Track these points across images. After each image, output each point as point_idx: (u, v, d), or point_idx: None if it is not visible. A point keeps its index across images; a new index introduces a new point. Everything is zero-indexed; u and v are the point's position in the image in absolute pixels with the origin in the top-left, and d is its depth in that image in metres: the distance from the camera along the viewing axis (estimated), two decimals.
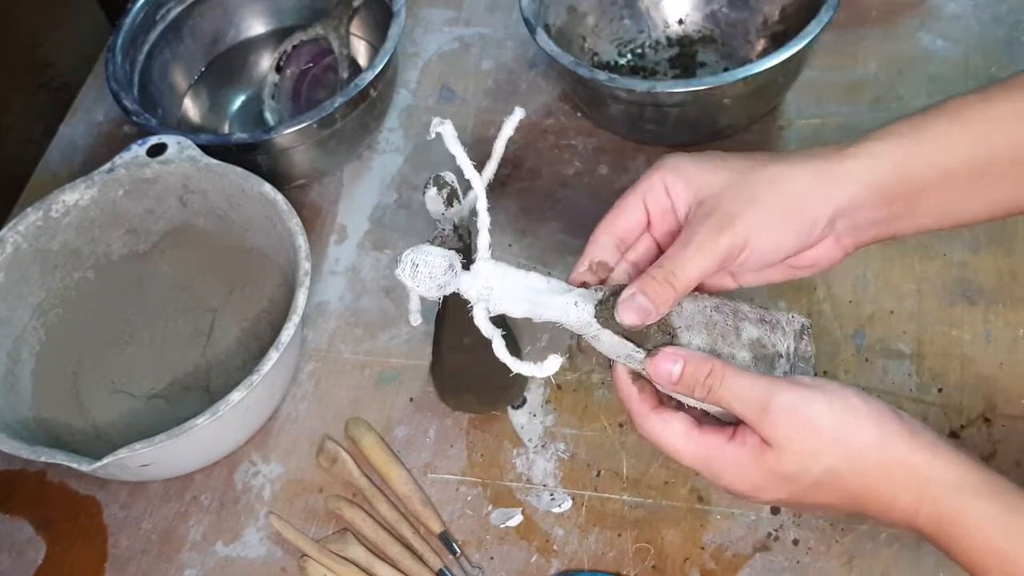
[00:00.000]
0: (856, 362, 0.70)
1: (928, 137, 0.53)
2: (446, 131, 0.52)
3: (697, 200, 0.53)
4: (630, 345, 0.51)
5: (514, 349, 0.52)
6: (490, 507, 0.67)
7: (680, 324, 0.52)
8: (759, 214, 0.52)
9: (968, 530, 0.46)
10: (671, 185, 0.54)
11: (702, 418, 0.52)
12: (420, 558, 0.65)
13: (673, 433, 0.51)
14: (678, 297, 0.51)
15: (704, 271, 0.51)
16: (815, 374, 0.53)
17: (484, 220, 0.51)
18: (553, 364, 0.49)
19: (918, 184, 0.53)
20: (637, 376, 0.53)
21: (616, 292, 0.52)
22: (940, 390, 0.68)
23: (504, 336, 0.51)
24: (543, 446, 0.69)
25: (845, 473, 0.48)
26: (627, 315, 0.50)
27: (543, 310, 0.52)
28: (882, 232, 0.55)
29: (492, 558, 0.65)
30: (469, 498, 0.68)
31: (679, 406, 0.53)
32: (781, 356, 0.53)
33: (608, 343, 0.52)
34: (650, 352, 0.51)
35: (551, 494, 0.67)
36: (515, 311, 0.51)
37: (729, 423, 0.52)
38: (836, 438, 0.48)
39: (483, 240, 0.51)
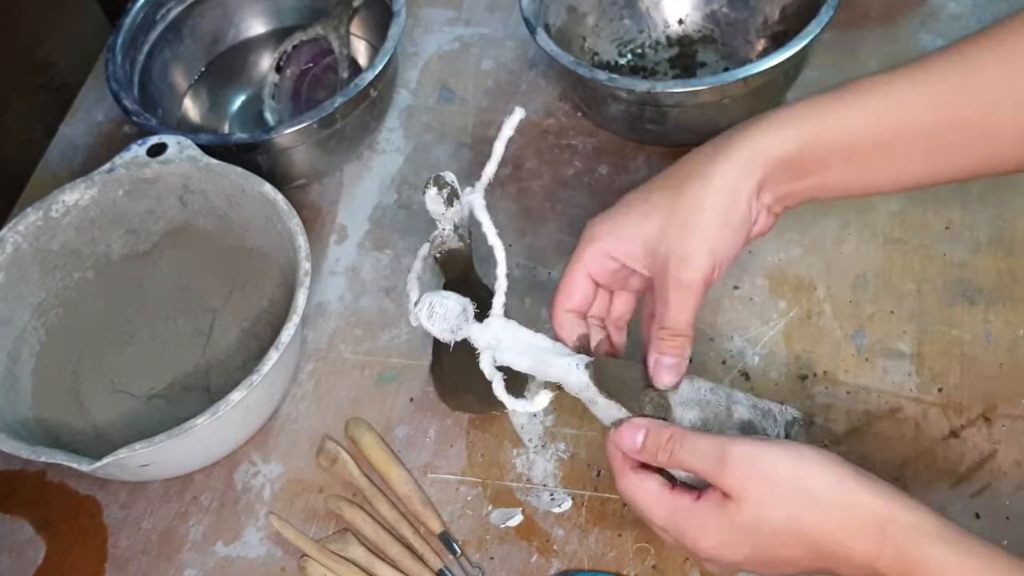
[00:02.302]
0: (856, 362, 0.70)
1: (833, 115, 0.56)
2: (476, 202, 0.58)
3: (648, 252, 0.56)
4: (624, 411, 0.54)
5: (519, 385, 0.58)
6: (490, 507, 0.67)
7: (676, 400, 0.55)
8: (706, 236, 0.55)
9: (931, 574, 0.46)
10: (614, 252, 0.58)
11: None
12: (420, 558, 0.65)
13: (646, 492, 0.53)
14: (691, 340, 0.55)
15: (694, 309, 0.55)
16: None
17: (502, 284, 0.57)
18: (543, 399, 0.54)
19: (824, 159, 0.56)
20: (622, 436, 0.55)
21: (606, 360, 0.56)
22: (940, 390, 0.68)
23: (505, 379, 0.55)
24: (543, 446, 0.69)
25: (805, 519, 0.48)
26: (667, 377, 0.55)
27: (546, 368, 0.56)
28: (803, 198, 0.59)
29: (492, 558, 0.65)
30: (469, 498, 0.68)
31: (661, 470, 0.54)
32: None
33: (604, 407, 0.54)
34: (618, 421, 0.54)
35: (551, 494, 0.67)
36: (519, 364, 0.56)
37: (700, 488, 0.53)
38: (793, 484, 0.49)
39: (499, 300, 0.57)
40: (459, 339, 0.56)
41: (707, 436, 0.52)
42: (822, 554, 0.49)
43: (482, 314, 0.57)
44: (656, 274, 0.56)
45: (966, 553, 0.46)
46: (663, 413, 0.53)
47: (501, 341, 0.55)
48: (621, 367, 0.56)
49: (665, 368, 0.55)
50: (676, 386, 0.55)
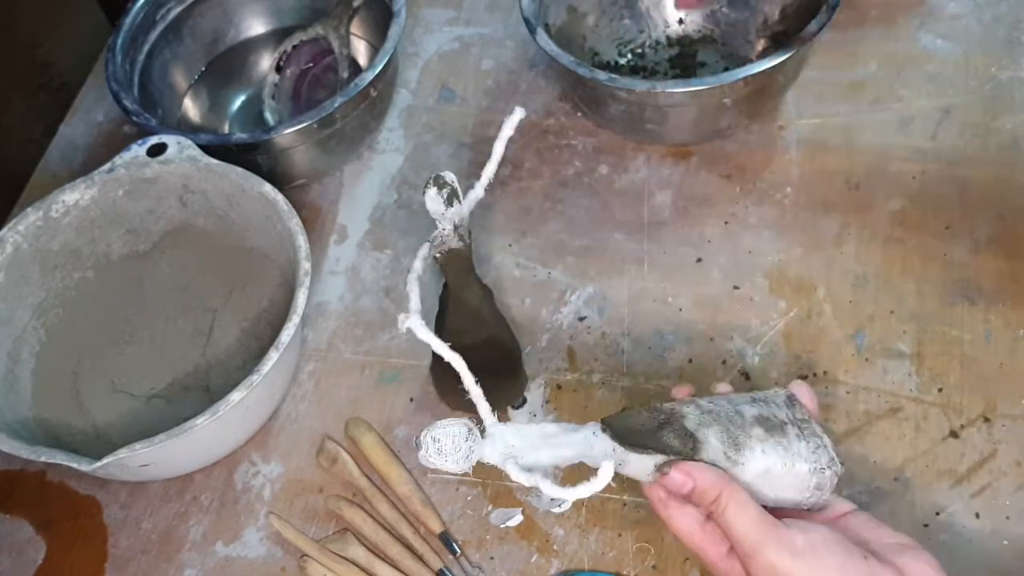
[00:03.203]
0: (856, 362, 0.70)
1: None
2: (414, 323, 0.56)
3: None
4: (660, 457, 0.52)
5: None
6: (490, 507, 0.67)
7: (692, 426, 0.53)
8: None
9: None
10: None
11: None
12: (420, 558, 0.65)
13: (684, 526, 0.53)
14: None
15: None
16: (821, 428, 0.54)
17: (476, 392, 0.55)
18: (606, 473, 0.52)
19: None
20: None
21: (613, 417, 0.54)
22: (940, 390, 0.68)
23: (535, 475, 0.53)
24: None
25: None
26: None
27: (566, 450, 0.54)
28: None
29: (492, 558, 0.65)
30: (469, 498, 0.68)
31: None
32: (785, 423, 0.54)
33: (636, 462, 0.53)
34: (665, 464, 0.52)
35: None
36: (541, 459, 0.53)
37: None
38: None
39: (484, 409, 0.54)
40: (475, 463, 0.53)
41: (749, 514, 0.50)
42: None
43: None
44: None
45: None
46: (690, 442, 0.53)
47: (514, 446, 0.53)
48: (628, 418, 0.55)
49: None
50: (687, 404, 0.55)
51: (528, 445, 0.53)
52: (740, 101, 0.76)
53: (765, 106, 0.81)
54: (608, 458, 0.53)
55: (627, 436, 0.53)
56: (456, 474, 0.52)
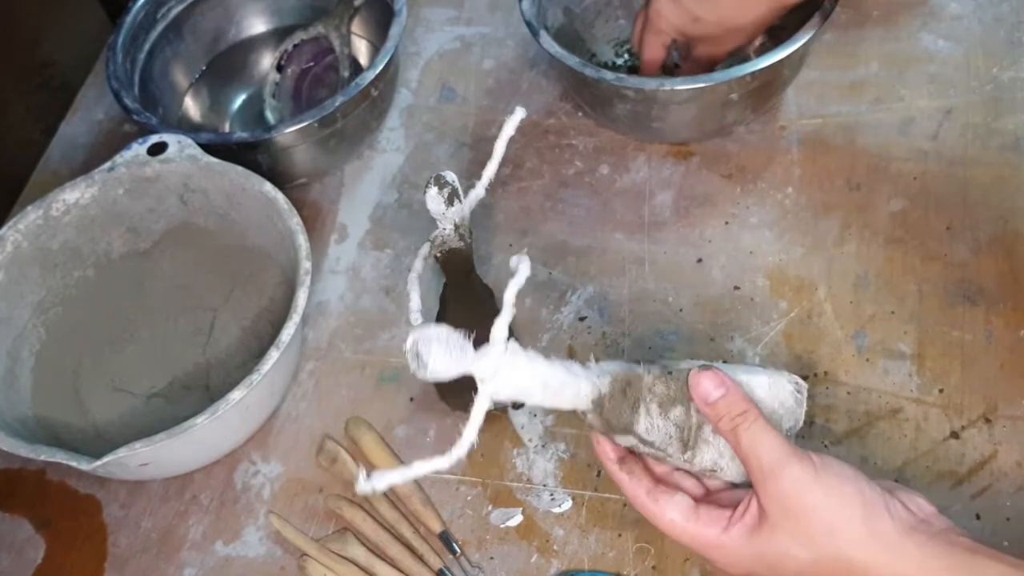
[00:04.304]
0: (857, 362, 0.70)
1: None
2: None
3: None
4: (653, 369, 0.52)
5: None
6: (490, 507, 0.67)
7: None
8: None
9: None
10: None
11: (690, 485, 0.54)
12: (420, 558, 0.65)
13: (670, 520, 0.52)
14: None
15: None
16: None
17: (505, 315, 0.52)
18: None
19: None
20: (624, 456, 0.54)
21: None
22: (941, 391, 0.68)
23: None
24: (543, 446, 0.69)
25: (830, 569, 0.48)
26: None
27: (557, 400, 0.53)
28: None
29: (492, 558, 0.65)
30: (469, 498, 0.68)
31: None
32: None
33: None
34: (699, 367, 0.52)
35: (551, 494, 0.67)
36: (534, 387, 0.52)
37: (733, 492, 0.53)
38: (825, 530, 0.48)
39: (500, 325, 0.51)
40: (464, 370, 0.51)
41: (772, 436, 0.49)
42: None
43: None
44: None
45: None
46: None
47: (507, 379, 0.51)
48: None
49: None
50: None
51: (521, 387, 0.52)
52: (746, 96, 0.76)
53: (769, 101, 0.81)
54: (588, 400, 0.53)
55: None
56: (445, 379, 0.51)
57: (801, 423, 0.55)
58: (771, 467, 0.49)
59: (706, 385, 0.51)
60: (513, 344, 0.51)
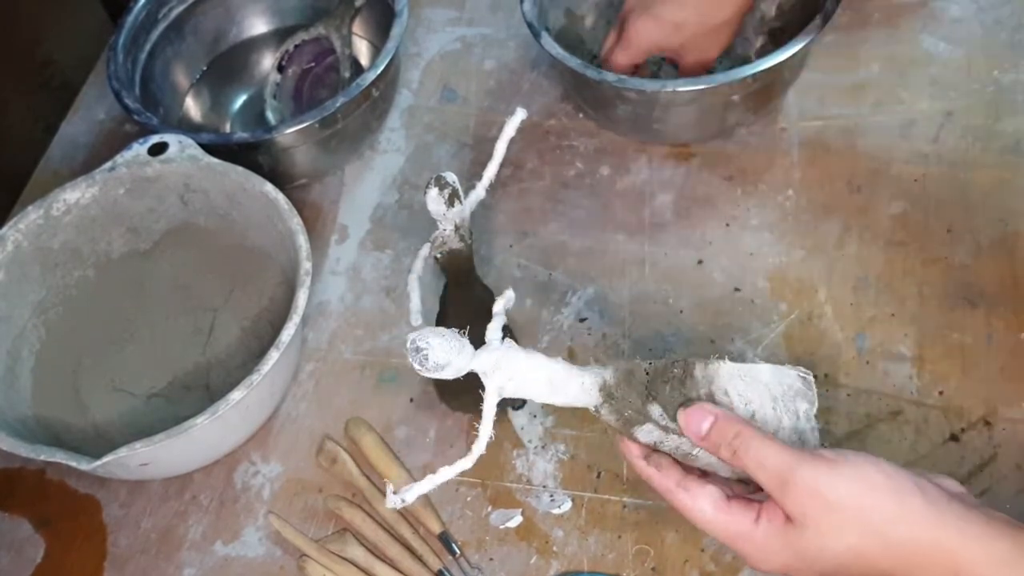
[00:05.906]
0: (857, 364, 0.70)
1: None
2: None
3: None
4: (656, 407, 0.52)
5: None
6: (490, 508, 0.67)
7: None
8: None
9: None
10: None
11: (719, 482, 0.53)
12: (420, 558, 0.65)
13: (701, 511, 0.51)
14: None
15: None
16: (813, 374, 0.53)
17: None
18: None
19: None
20: (649, 453, 0.54)
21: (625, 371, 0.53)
22: (941, 393, 0.68)
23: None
24: (543, 447, 0.69)
25: (869, 552, 0.47)
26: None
27: (558, 398, 0.53)
28: None
29: (492, 559, 0.65)
30: (469, 499, 0.68)
31: (703, 473, 0.53)
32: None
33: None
34: (683, 404, 0.52)
35: (551, 495, 0.67)
36: (538, 380, 0.52)
37: (748, 489, 0.52)
38: (856, 516, 0.47)
39: (494, 325, 0.53)
40: (465, 367, 0.51)
41: (774, 445, 0.49)
42: None
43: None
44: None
45: None
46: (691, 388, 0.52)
47: (510, 375, 0.52)
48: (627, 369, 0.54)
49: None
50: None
51: (524, 381, 0.52)
52: (747, 98, 0.76)
53: (770, 103, 0.81)
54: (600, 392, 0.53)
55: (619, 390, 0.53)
56: (446, 379, 0.51)
57: (817, 405, 0.54)
58: (782, 477, 0.48)
59: (694, 420, 0.51)
60: (510, 341, 0.52)
